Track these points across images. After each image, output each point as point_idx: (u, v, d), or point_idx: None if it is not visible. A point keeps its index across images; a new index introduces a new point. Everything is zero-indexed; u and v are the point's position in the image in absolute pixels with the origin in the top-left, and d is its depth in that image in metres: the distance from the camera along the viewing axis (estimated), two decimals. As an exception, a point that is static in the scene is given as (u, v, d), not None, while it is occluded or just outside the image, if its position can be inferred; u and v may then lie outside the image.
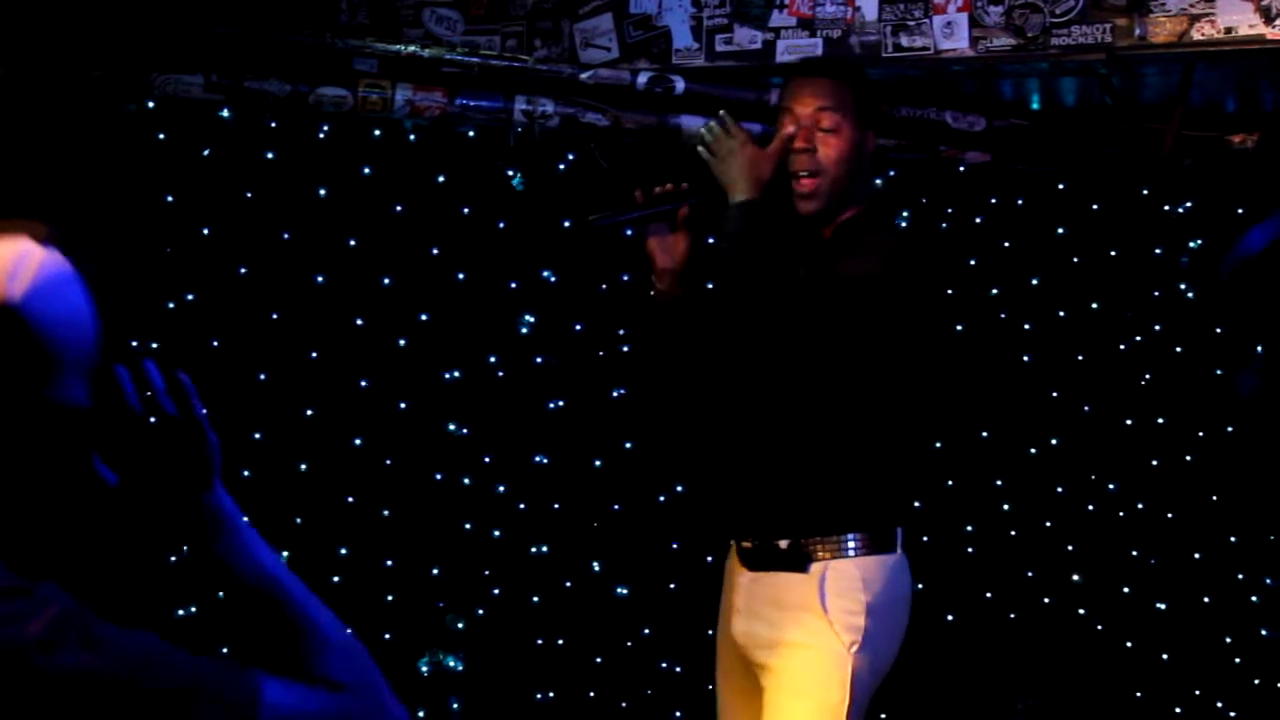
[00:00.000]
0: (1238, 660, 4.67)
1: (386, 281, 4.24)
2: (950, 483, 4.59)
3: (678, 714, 4.43)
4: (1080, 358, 4.64)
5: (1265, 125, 4.24)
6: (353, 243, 4.22)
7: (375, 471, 4.25)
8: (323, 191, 4.18)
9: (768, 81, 3.98)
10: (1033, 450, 4.63)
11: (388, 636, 4.21)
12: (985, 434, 4.62)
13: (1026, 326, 4.62)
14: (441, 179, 4.26)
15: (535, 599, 4.37)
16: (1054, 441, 4.64)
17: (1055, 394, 4.63)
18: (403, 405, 4.27)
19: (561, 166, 4.28)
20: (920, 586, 4.13)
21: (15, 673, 1.31)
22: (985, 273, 4.59)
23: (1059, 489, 4.65)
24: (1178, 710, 4.69)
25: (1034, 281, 4.61)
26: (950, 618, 4.60)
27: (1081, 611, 4.67)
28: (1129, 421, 4.66)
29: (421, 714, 4.31)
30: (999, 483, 4.64)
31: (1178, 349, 4.65)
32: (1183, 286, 4.62)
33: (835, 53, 3.92)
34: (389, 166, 4.22)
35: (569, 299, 4.35)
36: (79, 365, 1.43)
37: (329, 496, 4.21)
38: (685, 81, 4.01)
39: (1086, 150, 4.30)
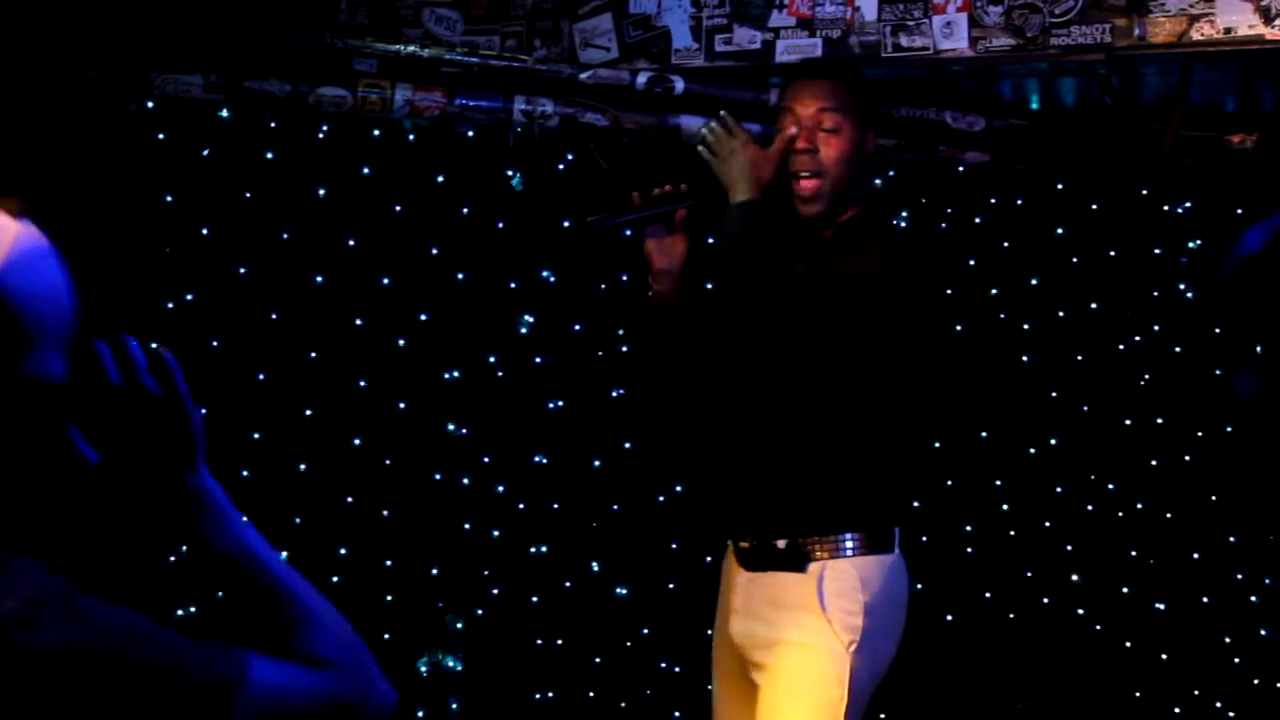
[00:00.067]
0: (1237, 660, 4.68)
1: (386, 281, 4.24)
2: (950, 483, 4.60)
3: (677, 714, 4.43)
4: (1080, 358, 4.64)
5: (1264, 125, 4.24)
6: (352, 243, 4.22)
7: (375, 471, 4.25)
8: (322, 191, 4.18)
9: (767, 81, 3.99)
10: (1032, 450, 4.64)
11: (387, 636, 4.21)
12: (985, 434, 4.62)
13: (1026, 326, 4.62)
14: (441, 179, 4.26)
15: (534, 599, 4.37)
16: (1053, 441, 4.64)
17: (1055, 394, 4.64)
18: (402, 405, 4.27)
19: (561, 166, 4.28)
20: (920, 586, 4.15)
21: None
22: (985, 273, 4.59)
23: (1058, 489, 4.65)
24: (1177, 710, 4.69)
25: (1033, 281, 4.61)
26: (949, 618, 4.60)
27: (1081, 611, 4.67)
28: (1128, 421, 4.66)
29: (421, 714, 4.31)
30: (998, 483, 4.64)
31: (1177, 349, 4.66)
32: (1182, 287, 4.63)
33: (835, 53, 3.92)
34: (388, 166, 4.22)
35: (568, 299, 4.35)
36: (55, 339, 1.41)
37: (328, 496, 4.21)
38: (685, 81, 4.01)
39: (1086, 150, 4.30)
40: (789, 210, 3.03)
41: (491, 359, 4.33)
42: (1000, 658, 4.64)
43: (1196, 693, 4.68)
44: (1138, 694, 4.68)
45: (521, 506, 4.36)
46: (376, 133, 4.18)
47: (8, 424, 1.39)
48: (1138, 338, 4.65)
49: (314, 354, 4.19)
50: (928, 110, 4.20)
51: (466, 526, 4.33)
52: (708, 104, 3.85)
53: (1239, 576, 4.68)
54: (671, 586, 4.41)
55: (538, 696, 4.38)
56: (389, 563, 4.27)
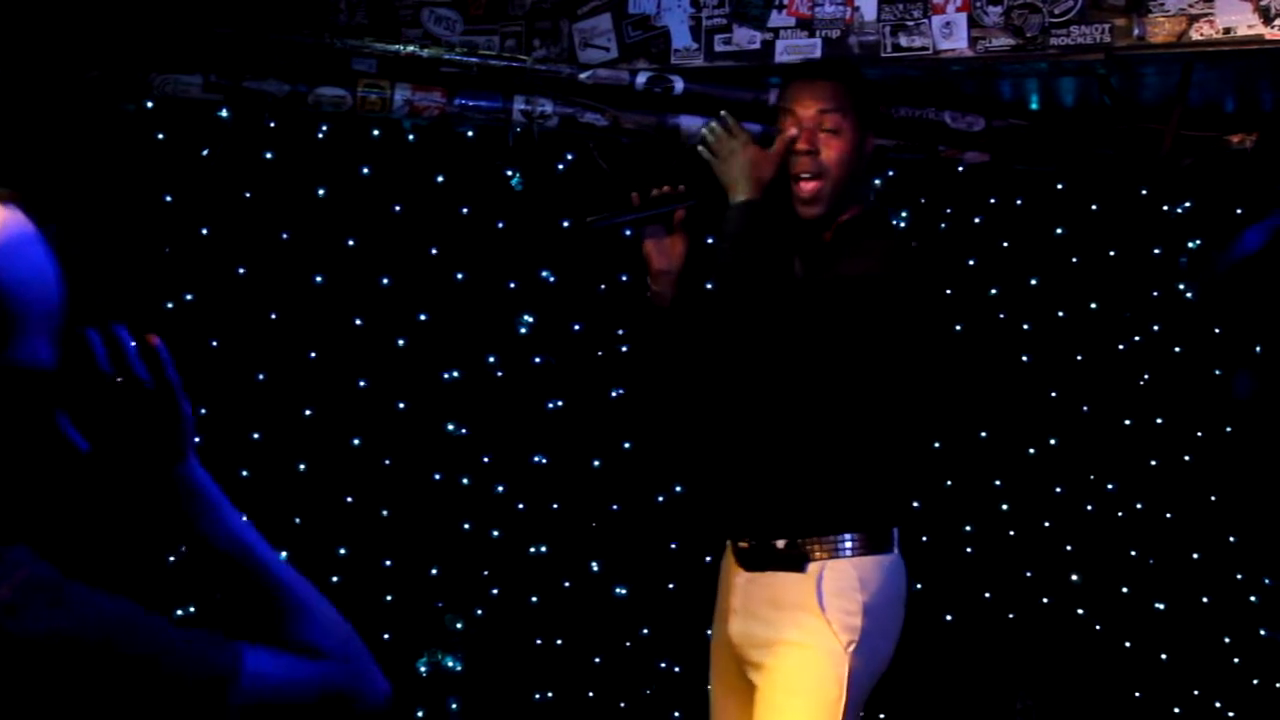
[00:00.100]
0: (1236, 660, 4.68)
1: (385, 281, 4.24)
2: (949, 483, 4.60)
3: (676, 714, 4.43)
4: (1079, 358, 4.64)
5: (1264, 125, 4.24)
6: (351, 243, 4.21)
7: (374, 471, 4.25)
8: (321, 191, 4.18)
9: (766, 82, 3.98)
10: (1031, 450, 4.64)
11: (386, 637, 4.21)
12: (984, 434, 4.62)
13: (1025, 326, 4.62)
14: (440, 179, 4.26)
15: (534, 599, 4.37)
16: (1053, 441, 4.64)
17: (1054, 394, 4.64)
18: (401, 405, 4.27)
19: (560, 166, 4.28)
20: (919, 586, 4.15)
21: None
22: (984, 273, 4.59)
23: (1058, 489, 4.65)
24: (1176, 710, 4.69)
25: (1033, 281, 4.61)
26: (949, 618, 4.60)
27: (1080, 611, 4.67)
28: (1128, 421, 4.66)
29: (420, 714, 4.31)
30: (998, 483, 4.64)
31: (1176, 349, 4.66)
32: (1181, 287, 4.63)
33: (834, 53, 3.91)
34: (388, 166, 4.22)
35: (568, 299, 4.35)
36: (43, 325, 1.40)
37: (328, 496, 4.21)
38: (684, 82, 4.01)
39: (1085, 150, 4.30)
40: (788, 211, 3.03)
41: (491, 359, 4.33)
42: (1000, 658, 4.64)
43: (1196, 693, 4.68)
44: (1137, 694, 4.68)
45: (521, 506, 4.36)
46: (376, 133, 4.18)
47: None
48: (1137, 338, 4.65)
49: (313, 354, 4.19)
50: (927, 110, 4.20)
51: (466, 526, 4.33)
52: (707, 104, 3.85)
53: (1238, 576, 4.68)
54: (671, 586, 4.41)
55: (537, 697, 4.38)
56: (388, 563, 4.27)
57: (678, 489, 4.43)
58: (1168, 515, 4.68)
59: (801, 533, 2.94)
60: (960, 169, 4.34)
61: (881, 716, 4.47)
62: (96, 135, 3.95)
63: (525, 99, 4.06)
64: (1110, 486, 4.67)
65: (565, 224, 4.27)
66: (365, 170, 4.20)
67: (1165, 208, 4.59)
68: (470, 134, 4.20)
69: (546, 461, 4.37)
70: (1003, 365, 4.61)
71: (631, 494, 4.41)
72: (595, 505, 4.40)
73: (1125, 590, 4.67)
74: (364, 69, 4.04)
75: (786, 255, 3.00)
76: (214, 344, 4.08)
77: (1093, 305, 4.63)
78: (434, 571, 4.31)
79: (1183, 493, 4.67)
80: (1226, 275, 4.42)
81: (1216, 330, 4.63)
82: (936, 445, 4.56)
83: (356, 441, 4.23)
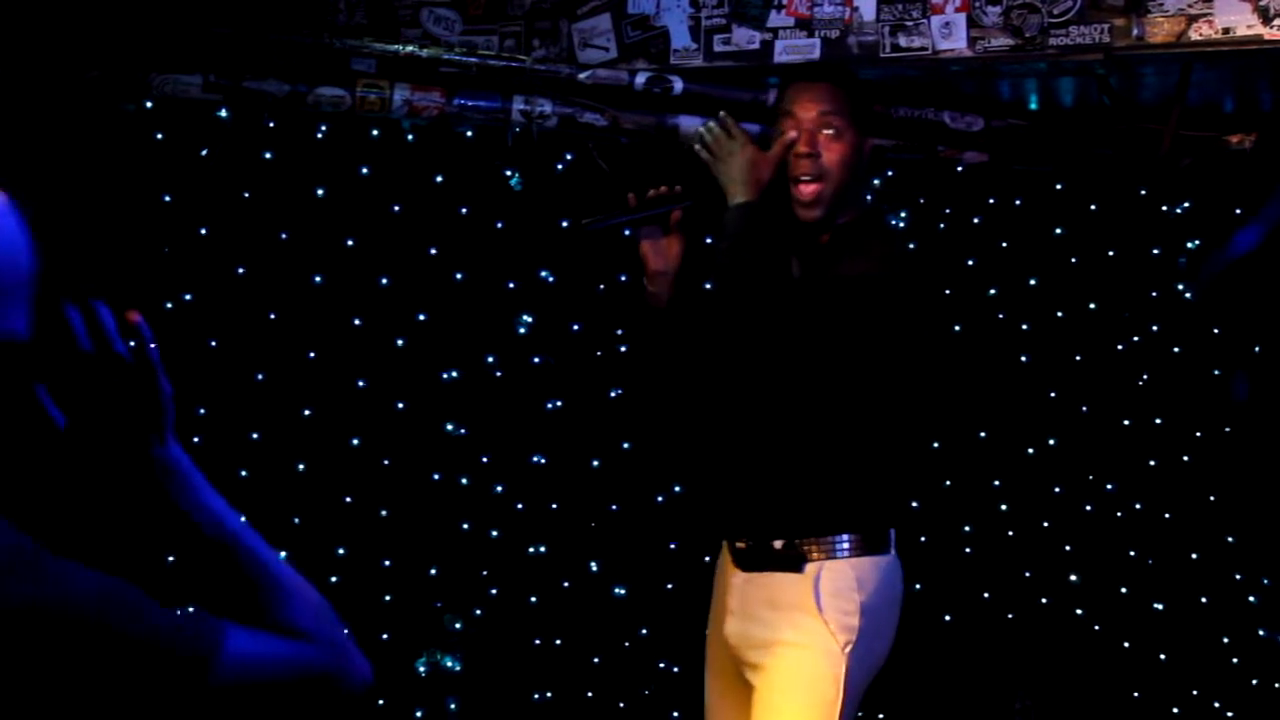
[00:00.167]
0: (1235, 660, 4.68)
1: (384, 281, 4.24)
2: (948, 483, 4.60)
3: (675, 714, 4.43)
4: (1078, 358, 4.64)
5: (1263, 125, 4.24)
6: (351, 243, 4.21)
7: (373, 471, 4.25)
8: (321, 191, 4.18)
9: (765, 82, 3.98)
10: (1030, 450, 4.64)
11: (385, 637, 4.21)
12: (983, 434, 4.62)
13: (1024, 327, 4.62)
14: (439, 179, 4.26)
15: (533, 599, 4.37)
16: (1052, 442, 4.64)
17: (1053, 394, 4.63)
18: (400, 405, 4.27)
19: (560, 166, 4.28)
20: (918, 586, 4.15)
21: None
22: (983, 273, 4.59)
23: (1057, 489, 4.65)
24: (1175, 710, 4.69)
25: (1032, 282, 4.61)
26: (948, 618, 4.60)
27: (1079, 612, 4.67)
28: (1127, 422, 4.66)
29: (419, 714, 4.31)
30: (996, 483, 4.64)
31: (1175, 349, 4.65)
32: (1180, 287, 4.63)
33: (833, 53, 3.91)
34: (387, 166, 4.22)
35: (567, 299, 4.35)
36: (15, 295, 1.38)
37: (327, 497, 4.21)
38: (683, 82, 4.01)
39: (1084, 150, 4.30)
40: (787, 213, 3.03)
41: (490, 359, 4.33)
42: (998, 658, 4.64)
43: (1195, 693, 4.68)
44: (1136, 694, 4.68)
45: (520, 506, 4.36)
46: (375, 133, 4.18)
47: None
48: (1136, 338, 4.65)
49: (313, 354, 4.19)
50: (926, 110, 4.20)
51: (465, 526, 4.33)
52: (706, 104, 3.85)
53: (1237, 577, 4.68)
54: (670, 586, 4.41)
55: (536, 697, 4.38)
56: (387, 563, 4.27)
57: (677, 489, 4.43)
58: (1166, 515, 4.68)
59: (799, 533, 2.94)
60: (959, 169, 4.34)
61: (881, 717, 4.47)
62: (96, 135, 3.95)
63: (524, 99, 4.06)
64: (1109, 487, 4.67)
65: (564, 225, 4.27)
66: (364, 170, 4.20)
67: (1164, 208, 4.59)
68: (469, 134, 4.20)
69: (545, 461, 4.37)
70: (1002, 365, 4.61)
71: (631, 494, 4.41)
72: (594, 505, 4.40)
73: (1124, 590, 4.67)
74: (363, 69, 4.04)
75: (784, 257, 3.00)
76: (213, 344, 4.08)
77: (1092, 305, 4.63)
78: (433, 571, 4.31)
79: (1181, 493, 4.67)
80: (1223, 275, 4.42)
81: (1215, 331, 4.62)
82: (935, 445, 4.56)
83: (355, 441, 4.23)
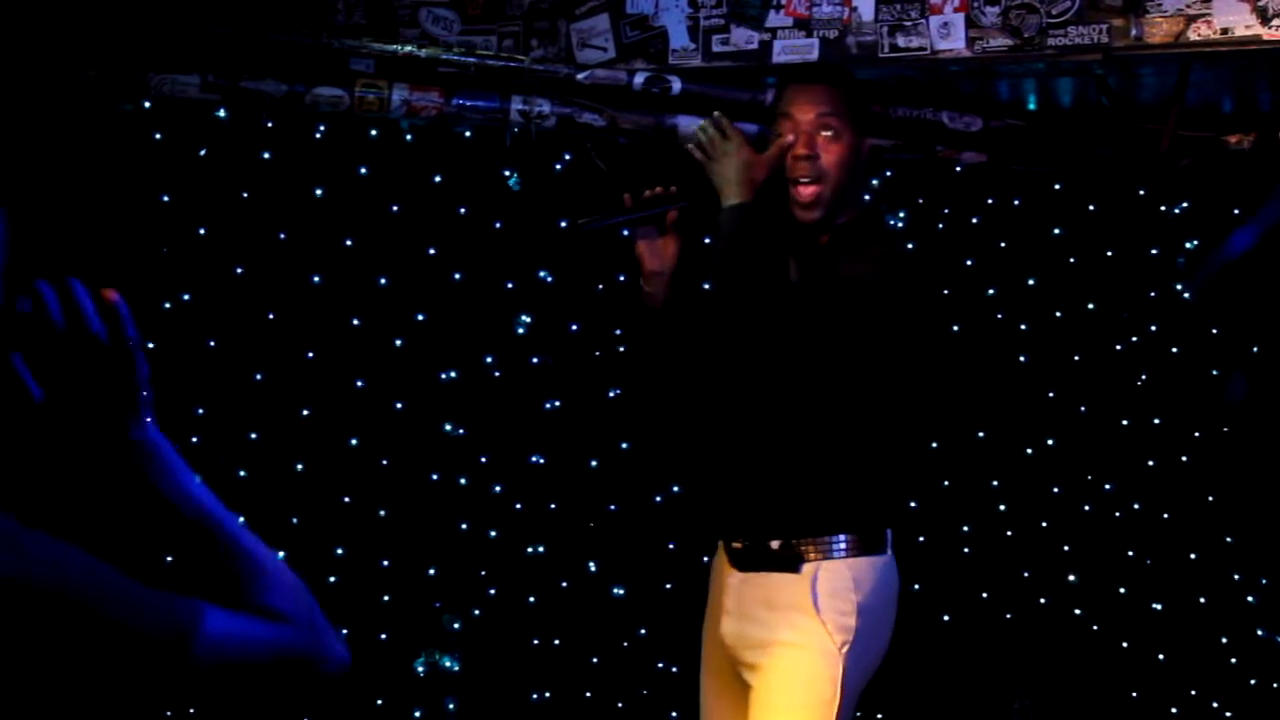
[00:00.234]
0: (1234, 660, 4.68)
1: (383, 282, 4.24)
2: (946, 483, 4.60)
3: (674, 714, 4.43)
4: (1077, 358, 4.64)
5: (1261, 126, 4.24)
6: (349, 243, 4.22)
7: (372, 472, 4.25)
8: (319, 191, 4.18)
9: (764, 82, 3.98)
10: (1029, 450, 4.64)
11: (384, 637, 4.21)
12: (981, 434, 4.62)
13: (1023, 327, 4.62)
14: (438, 179, 4.26)
15: (531, 599, 4.37)
16: (1050, 442, 4.64)
17: (1051, 394, 4.63)
18: (399, 405, 4.27)
19: (558, 167, 4.28)
20: (917, 587, 4.16)
21: None
22: (982, 273, 4.59)
23: (1055, 489, 4.65)
24: (1174, 710, 4.69)
25: (1030, 282, 4.61)
26: (946, 618, 4.60)
27: (1078, 612, 4.67)
28: (1125, 422, 4.66)
29: (418, 714, 4.31)
30: (995, 483, 4.64)
31: (1174, 349, 4.65)
32: (1179, 287, 4.63)
33: (832, 53, 3.92)
34: (385, 166, 4.22)
35: (565, 299, 4.35)
36: None
37: (325, 496, 4.21)
38: (682, 82, 4.01)
39: (1083, 151, 4.30)
40: (785, 215, 3.02)
41: (489, 359, 4.33)
42: (997, 658, 4.64)
43: (1193, 693, 4.68)
44: (1134, 694, 4.68)
45: (518, 506, 4.36)
46: (373, 133, 4.18)
47: None
48: (1135, 338, 4.65)
49: (311, 354, 4.19)
50: (925, 110, 4.20)
51: (464, 527, 4.33)
52: (705, 104, 3.84)
53: (1236, 577, 4.68)
54: (668, 587, 4.41)
55: (535, 697, 4.38)
56: (386, 563, 4.27)
57: (675, 489, 4.43)
58: (1165, 515, 4.68)
59: (796, 533, 2.94)
60: (958, 169, 4.34)
61: (879, 717, 4.47)
62: (94, 135, 3.95)
63: (523, 99, 4.06)
64: (1108, 487, 4.67)
65: (561, 225, 4.27)
66: (363, 170, 4.20)
67: (1163, 208, 4.59)
68: (468, 134, 4.20)
69: (544, 461, 4.37)
70: (1000, 365, 4.61)
71: (629, 494, 4.41)
72: (593, 505, 4.40)
73: (1123, 590, 4.67)
74: (362, 69, 4.05)
75: (781, 257, 3.00)
76: (211, 344, 4.08)
77: (1090, 305, 4.63)
78: (431, 571, 4.31)
79: (1180, 493, 4.67)
80: (1220, 275, 4.42)
81: (1214, 331, 4.62)
82: (934, 445, 4.56)
83: (354, 442, 4.23)
